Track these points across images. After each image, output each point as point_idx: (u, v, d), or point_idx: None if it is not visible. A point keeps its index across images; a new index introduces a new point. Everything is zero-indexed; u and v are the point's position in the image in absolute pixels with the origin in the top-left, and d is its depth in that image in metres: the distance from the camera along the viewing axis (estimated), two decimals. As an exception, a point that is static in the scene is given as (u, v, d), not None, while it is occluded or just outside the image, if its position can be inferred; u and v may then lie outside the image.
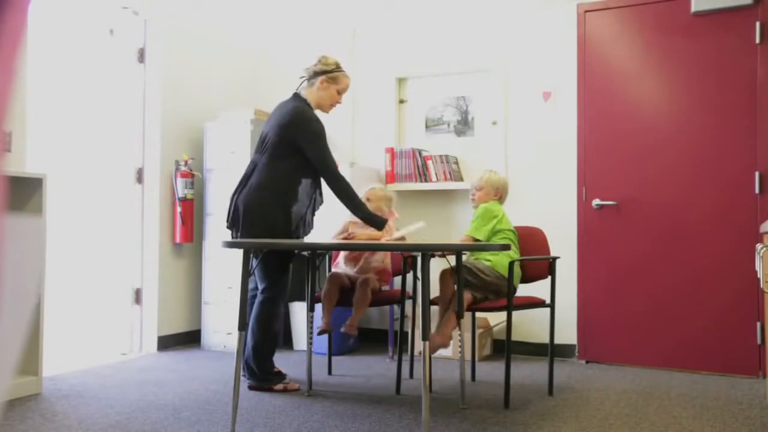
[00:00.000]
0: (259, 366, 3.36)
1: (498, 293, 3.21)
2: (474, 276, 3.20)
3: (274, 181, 3.27)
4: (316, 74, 3.39)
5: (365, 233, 3.45)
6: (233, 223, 3.36)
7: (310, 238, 3.54)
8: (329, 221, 3.87)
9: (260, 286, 3.36)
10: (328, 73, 3.38)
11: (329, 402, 3.20)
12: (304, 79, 3.45)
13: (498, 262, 3.29)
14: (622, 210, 4.15)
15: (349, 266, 3.65)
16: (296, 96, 3.43)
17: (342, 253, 3.70)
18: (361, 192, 3.59)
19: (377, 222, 3.30)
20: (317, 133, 3.30)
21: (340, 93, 3.44)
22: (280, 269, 3.33)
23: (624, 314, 4.12)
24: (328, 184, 3.31)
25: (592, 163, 4.24)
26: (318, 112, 3.46)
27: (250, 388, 3.38)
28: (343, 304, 3.53)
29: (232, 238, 3.36)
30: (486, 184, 3.44)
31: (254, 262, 3.40)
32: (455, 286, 3.18)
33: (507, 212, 3.46)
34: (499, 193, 3.45)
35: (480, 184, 3.46)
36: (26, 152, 3.61)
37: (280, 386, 3.37)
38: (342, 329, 3.43)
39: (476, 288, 3.20)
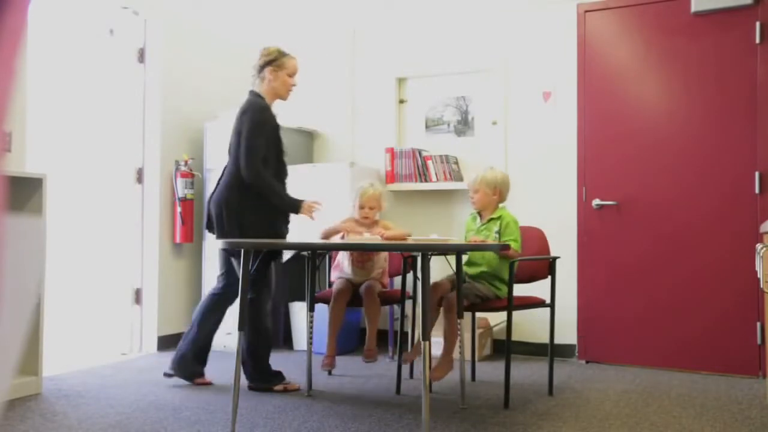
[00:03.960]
0: (256, 366, 3.37)
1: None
2: (476, 297, 3.20)
3: (239, 179, 3.30)
4: (262, 67, 3.42)
5: (392, 233, 3.33)
6: (209, 225, 3.44)
7: (309, 238, 3.54)
8: (327, 221, 3.85)
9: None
10: (272, 62, 3.40)
11: (329, 402, 3.20)
12: (254, 77, 3.46)
13: (505, 290, 3.21)
14: (622, 210, 4.15)
15: (356, 268, 3.57)
16: (250, 92, 3.45)
17: (346, 255, 3.63)
18: (355, 192, 3.56)
19: (295, 205, 3.31)
20: (254, 121, 3.30)
21: (291, 76, 3.45)
22: (258, 272, 3.32)
23: (624, 314, 4.12)
24: (248, 176, 3.24)
25: (592, 163, 4.24)
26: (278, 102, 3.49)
27: (250, 388, 3.38)
28: (350, 305, 3.51)
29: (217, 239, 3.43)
30: (481, 185, 3.30)
31: (223, 256, 3.48)
32: (450, 292, 3.19)
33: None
34: (497, 192, 3.31)
35: (476, 186, 3.33)
36: (26, 152, 3.61)
37: (280, 387, 3.37)
38: (363, 359, 3.43)
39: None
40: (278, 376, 3.41)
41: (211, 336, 3.50)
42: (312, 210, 3.35)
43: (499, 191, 3.33)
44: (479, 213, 3.42)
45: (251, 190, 3.28)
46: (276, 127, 3.40)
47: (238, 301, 3.32)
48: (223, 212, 3.31)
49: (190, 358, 3.45)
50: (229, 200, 3.31)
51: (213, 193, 3.44)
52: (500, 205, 3.37)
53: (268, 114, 3.36)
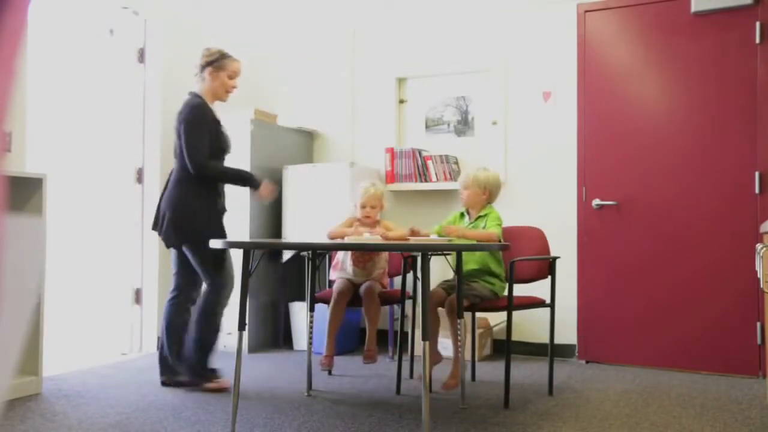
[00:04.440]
0: (199, 360, 3.36)
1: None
2: (474, 297, 3.21)
3: (186, 177, 3.34)
4: (203, 67, 3.42)
5: (393, 233, 3.34)
6: (156, 224, 3.44)
7: (310, 238, 3.53)
8: (327, 221, 3.85)
9: (203, 281, 3.41)
10: (213, 63, 3.41)
11: (329, 402, 3.20)
12: (195, 76, 3.47)
13: (501, 287, 3.30)
14: (622, 210, 4.15)
15: (357, 268, 3.55)
16: (189, 93, 3.46)
17: (348, 255, 3.61)
18: (356, 192, 3.55)
19: (254, 181, 3.39)
20: (189, 120, 3.32)
21: (231, 78, 3.45)
22: (214, 261, 3.35)
23: (624, 314, 4.12)
24: (194, 172, 3.30)
25: (592, 163, 4.24)
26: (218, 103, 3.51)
27: (170, 384, 3.39)
28: (350, 305, 3.50)
29: (164, 241, 3.46)
30: (472, 183, 3.34)
31: (174, 256, 3.48)
32: (449, 296, 3.19)
33: (506, 212, 3.45)
34: (487, 192, 3.35)
35: (467, 182, 3.37)
36: (26, 152, 3.61)
37: (212, 384, 3.35)
38: (363, 361, 3.42)
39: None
40: (213, 372, 3.39)
41: (184, 338, 3.49)
42: (268, 194, 3.42)
43: (488, 191, 3.37)
44: (468, 211, 3.44)
45: (200, 185, 3.32)
46: (216, 124, 3.42)
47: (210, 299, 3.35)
48: (175, 209, 3.34)
49: (173, 364, 3.45)
50: (179, 197, 3.34)
51: (162, 194, 3.47)
52: (489, 204, 3.40)
53: (203, 110, 3.36)
